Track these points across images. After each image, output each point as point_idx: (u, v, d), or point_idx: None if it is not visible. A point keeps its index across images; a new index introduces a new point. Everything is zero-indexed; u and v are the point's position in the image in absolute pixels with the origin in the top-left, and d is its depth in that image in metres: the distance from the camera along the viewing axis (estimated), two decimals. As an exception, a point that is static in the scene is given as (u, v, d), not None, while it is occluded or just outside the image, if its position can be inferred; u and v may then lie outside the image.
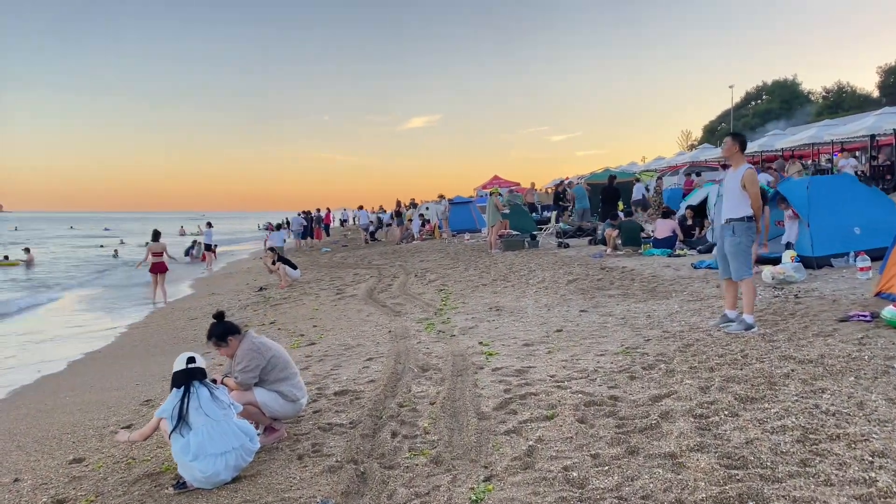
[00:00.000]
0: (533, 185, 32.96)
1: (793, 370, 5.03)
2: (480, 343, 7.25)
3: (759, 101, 71.30)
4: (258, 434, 4.58)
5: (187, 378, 4.22)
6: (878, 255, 9.28)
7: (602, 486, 3.43)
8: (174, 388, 4.22)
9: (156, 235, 17.00)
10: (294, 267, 15.66)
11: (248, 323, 10.79)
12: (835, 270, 9.73)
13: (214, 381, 4.45)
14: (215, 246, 26.71)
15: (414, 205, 36.26)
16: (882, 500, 3.01)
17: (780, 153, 28.94)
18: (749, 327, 6.49)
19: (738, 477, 3.35)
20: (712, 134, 67.91)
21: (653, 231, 15.27)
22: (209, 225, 27.14)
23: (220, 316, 4.88)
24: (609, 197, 20.73)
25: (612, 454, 3.82)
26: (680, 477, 3.42)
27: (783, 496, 3.09)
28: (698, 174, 23.63)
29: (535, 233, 18.97)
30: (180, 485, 4.06)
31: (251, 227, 74.18)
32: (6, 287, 21.77)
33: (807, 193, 10.33)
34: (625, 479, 3.49)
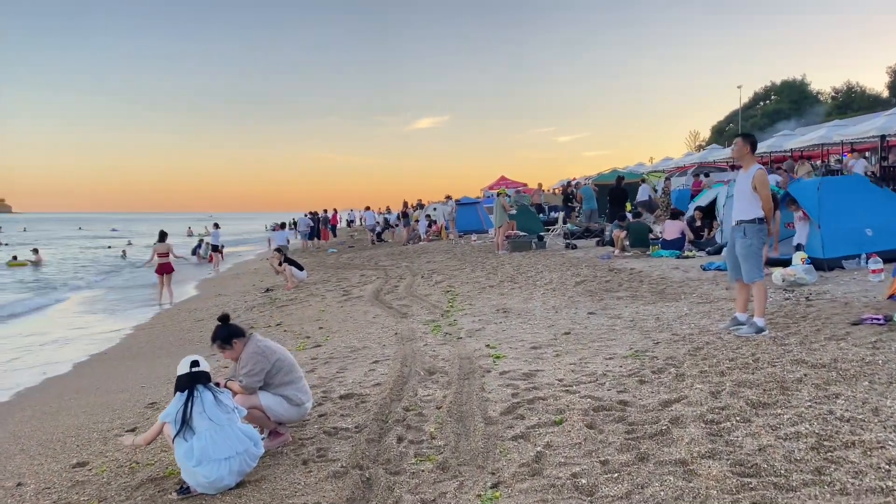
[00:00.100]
0: (540, 185, 32.96)
1: (805, 375, 4.94)
2: (487, 346, 7.18)
3: (768, 102, 70.92)
4: (263, 438, 4.53)
5: (191, 382, 4.17)
6: (890, 257, 9.20)
7: (612, 494, 3.37)
8: (178, 392, 4.17)
9: (162, 236, 16.99)
10: (300, 268, 15.63)
11: (254, 324, 10.75)
12: (846, 272, 9.62)
13: (217, 385, 4.40)
14: (222, 246, 26.72)
15: (421, 205, 36.19)
16: (900, 510, 2.94)
17: (790, 154, 28.75)
18: (760, 330, 6.40)
19: (751, 485, 3.28)
20: (720, 134, 67.62)
21: (661, 232, 15.17)
22: (216, 226, 27.16)
23: (224, 318, 4.83)
24: (617, 198, 20.63)
25: (622, 461, 3.75)
26: (691, 485, 3.35)
27: (798, 506, 3.02)
28: (707, 175, 23.50)
29: (542, 234, 18.89)
30: (183, 490, 4.01)
31: (259, 227, 74.30)
32: (14, 288, 21.84)
33: (818, 194, 10.23)
34: (635, 486, 3.42)
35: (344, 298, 12.59)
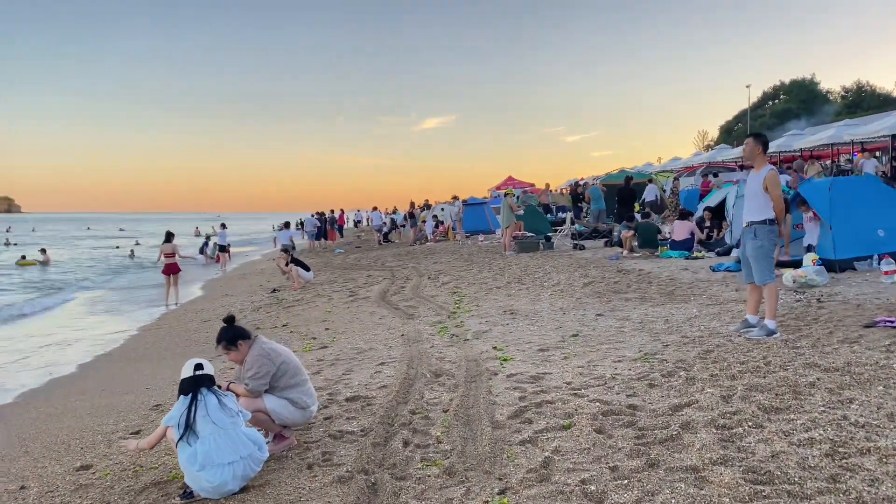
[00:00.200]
0: (547, 185, 32.76)
1: (818, 379, 4.86)
2: (494, 348, 7.12)
3: (777, 101, 70.52)
4: (267, 442, 4.48)
5: (195, 385, 4.13)
6: (902, 259, 9.07)
7: (621, 502, 3.30)
8: (181, 396, 4.13)
9: (168, 237, 17.00)
10: (307, 268, 15.61)
11: (260, 325, 10.72)
12: (858, 274, 9.51)
13: (220, 387, 4.35)
14: (229, 245, 26.74)
15: (427, 206, 36.15)
16: (919, 520, 2.86)
17: (799, 153, 28.55)
18: (771, 333, 6.31)
19: (764, 493, 3.21)
20: (729, 134, 67.28)
21: (670, 233, 15.06)
22: (223, 226, 27.17)
23: (230, 320, 4.79)
24: (625, 198, 20.51)
25: (632, 467, 3.68)
26: (703, 492, 3.28)
27: (813, 515, 2.95)
28: (715, 175, 23.34)
29: (549, 234, 18.80)
30: (187, 495, 3.96)
31: (266, 228, 74.41)
32: (21, 288, 21.90)
33: (829, 195, 10.12)
34: (645, 493, 3.35)
35: (350, 299, 12.54)
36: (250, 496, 3.93)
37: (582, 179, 36.38)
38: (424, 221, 28.22)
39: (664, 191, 24.15)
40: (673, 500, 3.23)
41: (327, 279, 16.38)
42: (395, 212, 42.81)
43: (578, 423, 4.44)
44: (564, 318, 8.60)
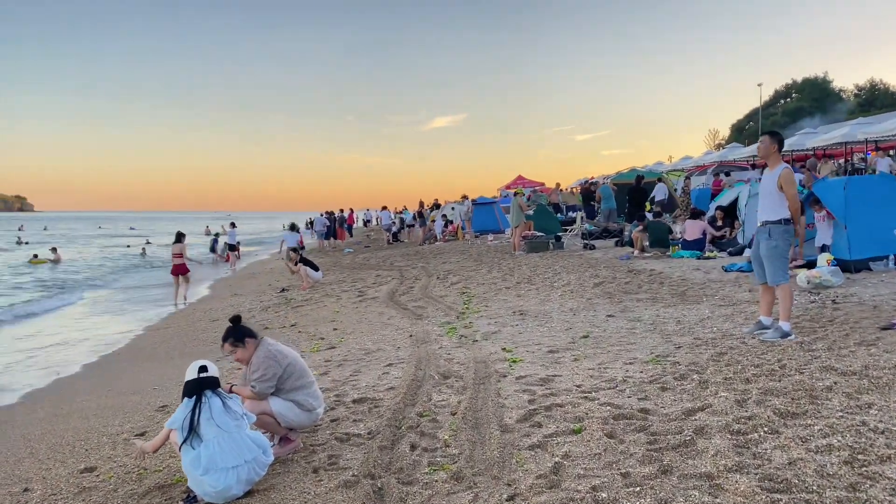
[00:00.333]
0: (557, 185, 32.63)
1: (835, 382, 4.74)
2: (503, 349, 7.03)
3: (789, 100, 69.98)
4: (272, 445, 4.42)
5: (199, 387, 4.06)
6: (919, 259, 8.91)
7: (634, 510, 3.21)
8: (185, 398, 4.06)
9: (178, 237, 17.01)
10: (316, 268, 15.58)
11: (268, 325, 10.68)
12: (874, 274, 9.36)
13: (225, 390, 4.29)
14: (238, 244, 26.77)
15: (437, 205, 36.07)
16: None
17: (812, 152, 28.28)
18: (785, 335, 6.20)
19: (781, 502, 3.11)
20: (740, 133, 66.82)
21: (681, 232, 14.91)
22: (233, 225, 27.23)
23: (236, 320, 4.73)
24: (636, 197, 20.35)
25: (644, 473, 3.58)
26: (718, 500, 3.19)
27: (833, 526, 2.85)
28: (727, 174, 23.10)
29: (559, 234, 18.68)
30: (190, 499, 3.90)
31: (276, 227, 74.55)
32: (31, 287, 21.98)
33: (844, 194, 9.96)
34: (658, 501, 3.25)
35: (359, 299, 12.48)
36: (254, 501, 3.86)
37: (593, 178, 36.19)
38: (434, 221, 28.14)
39: (675, 190, 23.94)
40: (687, 509, 3.14)
41: (336, 279, 16.33)
42: (404, 211, 42.77)
43: (589, 428, 4.35)
44: (574, 318, 8.50)
